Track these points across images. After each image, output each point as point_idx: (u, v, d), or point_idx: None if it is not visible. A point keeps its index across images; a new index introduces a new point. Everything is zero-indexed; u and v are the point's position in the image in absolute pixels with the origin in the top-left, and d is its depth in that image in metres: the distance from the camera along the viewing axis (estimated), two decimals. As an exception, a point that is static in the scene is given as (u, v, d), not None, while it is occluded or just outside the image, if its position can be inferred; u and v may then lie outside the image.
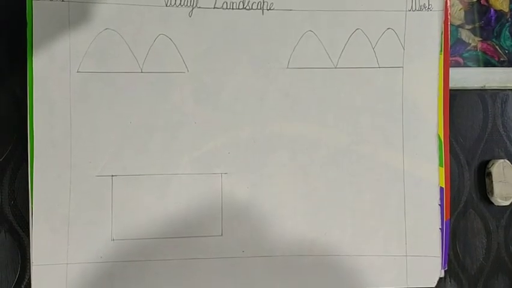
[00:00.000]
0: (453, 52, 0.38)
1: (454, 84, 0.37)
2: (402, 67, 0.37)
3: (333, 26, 0.36)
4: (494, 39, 0.39)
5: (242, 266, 0.34)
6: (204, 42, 0.35)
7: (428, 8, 0.37)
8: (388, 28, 0.36)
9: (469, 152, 0.39)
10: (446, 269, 0.37)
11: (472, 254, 0.38)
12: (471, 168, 0.39)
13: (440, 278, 0.37)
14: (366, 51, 0.36)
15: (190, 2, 0.35)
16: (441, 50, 0.37)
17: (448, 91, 0.37)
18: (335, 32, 0.36)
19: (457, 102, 0.39)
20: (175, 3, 0.35)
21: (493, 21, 0.39)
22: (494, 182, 0.38)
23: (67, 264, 0.34)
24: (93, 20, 0.35)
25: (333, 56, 0.36)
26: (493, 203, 0.39)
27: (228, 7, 0.35)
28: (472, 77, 0.38)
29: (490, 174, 0.38)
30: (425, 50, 0.37)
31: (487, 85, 0.39)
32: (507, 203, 0.38)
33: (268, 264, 0.36)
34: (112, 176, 0.35)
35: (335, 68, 0.36)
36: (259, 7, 0.36)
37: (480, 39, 0.39)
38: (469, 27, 0.39)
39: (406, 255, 0.37)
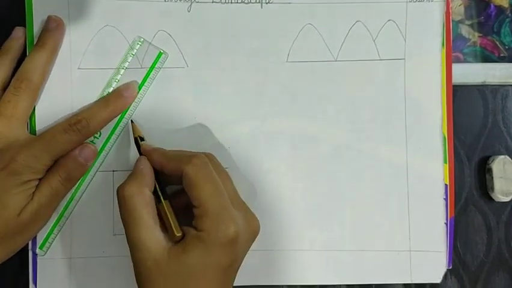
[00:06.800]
0: (453, 48, 0.36)
1: (454, 79, 0.35)
2: (403, 59, 0.35)
3: (333, 19, 0.34)
4: (494, 35, 0.37)
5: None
6: (203, 37, 0.34)
7: (429, -1, 0.35)
8: (389, 20, 0.34)
9: (469, 148, 0.37)
10: (450, 267, 0.35)
11: (473, 251, 0.36)
12: (471, 164, 0.37)
13: (441, 275, 0.35)
14: (367, 44, 0.34)
15: (189, -4, 0.34)
16: (443, 45, 0.35)
17: (451, 87, 0.35)
18: (335, 24, 0.34)
19: (457, 98, 0.36)
20: (173, -1, 0.34)
21: (492, 16, 0.37)
22: (494, 178, 0.35)
23: (70, 258, 0.33)
24: (93, 16, 0.33)
25: (333, 49, 0.34)
26: (493, 199, 0.36)
27: (227, 1, 0.34)
28: (472, 73, 0.36)
29: (490, 170, 0.36)
30: (427, 42, 0.34)
31: (487, 81, 0.36)
32: (507, 199, 0.36)
33: (268, 259, 0.34)
34: (113, 171, 0.33)
35: (335, 61, 0.34)
36: (257, 1, 0.34)
37: (480, 34, 0.37)
38: (469, 22, 0.37)
39: (410, 250, 0.34)
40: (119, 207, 0.28)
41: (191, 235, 0.28)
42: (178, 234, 0.28)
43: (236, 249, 0.28)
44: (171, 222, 0.28)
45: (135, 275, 0.28)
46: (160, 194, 0.29)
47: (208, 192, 0.27)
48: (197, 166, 0.28)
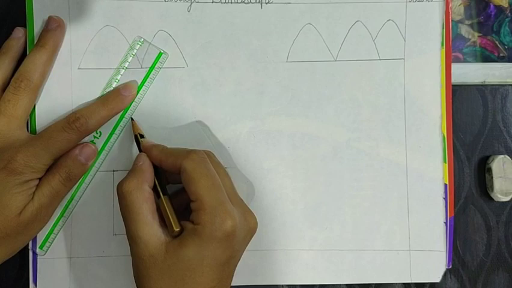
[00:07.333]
0: (453, 47, 0.36)
1: (453, 79, 0.35)
2: (403, 59, 0.34)
3: (333, 19, 0.34)
4: (493, 35, 0.37)
5: (241, 260, 0.31)
6: (203, 37, 0.34)
7: (429, -1, 0.35)
8: (388, 20, 0.34)
9: (468, 147, 0.36)
10: (450, 267, 0.34)
11: (472, 250, 0.36)
12: (471, 163, 0.36)
13: (441, 274, 0.35)
14: (367, 44, 0.34)
15: (189, -4, 0.33)
16: (442, 44, 0.34)
17: (450, 86, 0.34)
18: (335, 24, 0.34)
19: (456, 97, 0.36)
20: (173, -2, 0.33)
21: (492, 16, 0.37)
22: (494, 178, 0.35)
23: (70, 258, 0.33)
24: (93, 17, 0.33)
25: (332, 49, 0.34)
26: (493, 199, 0.36)
27: (227, 1, 0.33)
28: (472, 73, 0.36)
29: (490, 169, 0.36)
30: (427, 41, 0.34)
31: (486, 80, 0.36)
32: (507, 198, 0.35)
33: (267, 258, 0.34)
34: (114, 171, 0.33)
35: (335, 60, 0.34)
36: (257, 1, 0.34)
37: (479, 34, 0.37)
38: (469, 22, 0.37)
39: (409, 250, 0.34)
40: (119, 202, 0.28)
41: (188, 229, 0.27)
42: (177, 229, 0.28)
43: (233, 245, 0.27)
44: (170, 217, 0.28)
45: (133, 270, 0.28)
46: (159, 189, 0.29)
47: (205, 187, 0.27)
48: (195, 161, 0.28)
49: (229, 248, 0.27)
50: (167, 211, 0.28)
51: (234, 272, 0.29)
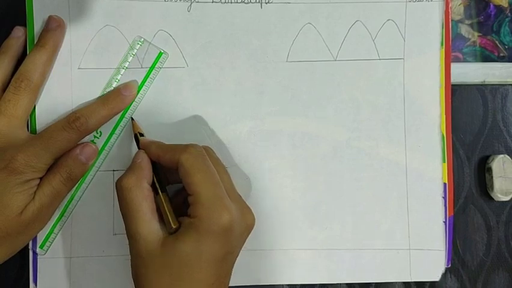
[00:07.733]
0: (453, 47, 0.36)
1: (453, 79, 0.35)
2: (403, 59, 0.34)
3: (333, 18, 0.34)
4: (493, 35, 0.37)
5: (241, 259, 0.31)
6: (203, 36, 0.34)
7: (429, -1, 0.35)
8: (388, 19, 0.34)
9: (468, 147, 0.36)
10: (449, 266, 0.34)
11: (472, 250, 0.36)
12: (471, 163, 0.36)
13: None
14: (366, 43, 0.34)
15: (189, -4, 0.34)
16: (442, 44, 0.34)
17: (450, 86, 0.34)
18: (335, 24, 0.34)
19: (456, 97, 0.36)
20: (173, -2, 0.33)
21: (492, 16, 0.37)
22: (494, 177, 0.35)
23: (71, 257, 0.33)
24: (93, 16, 0.33)
25: (332, 49, 0.34)
26: (493, 199, 0.36)
27: (227, 1, 0.33)
28: (472, 72, 0.36)
29: (490, 169, 0.36)
30: (426, 41, 0.34)
31: (486, 80, 0.36)
32: (507, 198, 0.36)
33: (267, 258, 0.34)
34: (114, 170, 0.33)
35: (335, 60, 0.34)
36: (257, 0, 0.34)
37: (479, 34, 0.37)
38: (468, 22, 0.37)
39: (409, 249, 0.34)
40: (118, 199, 0.28)
41: (185, 223, 0.27)
42: (175, 226, 0.28)
43: (230, 240, 0.27)
44: (168, 214, 0.28)
45: (131, 268, 0.28)
46: (157, 186, 0.29)
47: (203, 180, 0.27)
48: (192, 155, 0.28)
49: (226, 243, 0.27)
50: (166, 208, 0.29)
51: (231, 269, 0.29)
